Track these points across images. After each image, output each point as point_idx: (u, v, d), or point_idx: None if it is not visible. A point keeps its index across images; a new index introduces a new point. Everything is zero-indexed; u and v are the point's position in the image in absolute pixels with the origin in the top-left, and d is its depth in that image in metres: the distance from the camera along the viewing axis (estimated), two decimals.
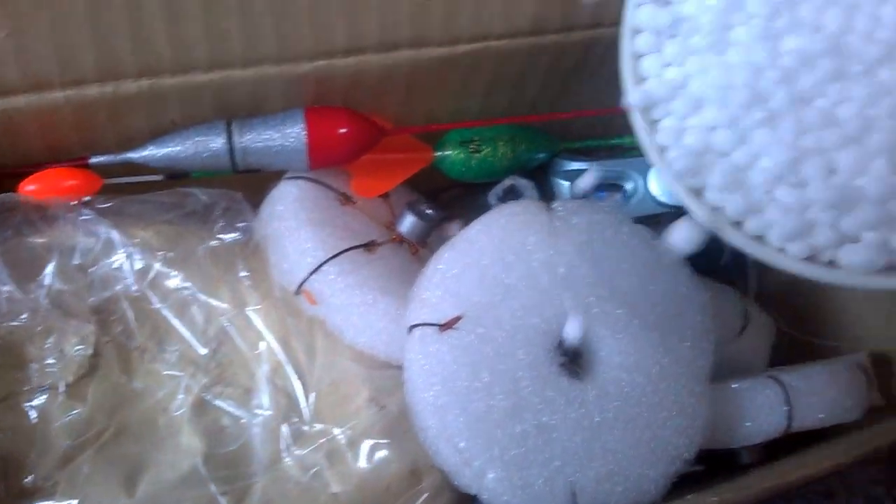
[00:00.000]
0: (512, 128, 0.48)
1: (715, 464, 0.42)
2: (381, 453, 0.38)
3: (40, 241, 0.38)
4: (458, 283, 0.38)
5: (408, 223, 0.44)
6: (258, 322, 0.38)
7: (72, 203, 0.38)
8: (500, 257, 0.38)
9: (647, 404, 0.38)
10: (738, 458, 0.44)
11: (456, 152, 0.47)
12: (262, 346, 0.38)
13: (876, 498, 0.56)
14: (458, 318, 0.37)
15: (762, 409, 0.41)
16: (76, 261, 0.37)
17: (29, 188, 0.39)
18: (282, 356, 0.38)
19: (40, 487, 0.35)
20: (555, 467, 0.36)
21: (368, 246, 0.41)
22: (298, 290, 0.40)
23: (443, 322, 0.37)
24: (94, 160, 0.41)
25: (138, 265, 0.37)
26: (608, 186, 0.47)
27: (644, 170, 0.47)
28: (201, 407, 0.37)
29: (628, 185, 0.47)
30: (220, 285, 0.39)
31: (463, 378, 0.36)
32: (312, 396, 0.38)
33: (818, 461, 0.38)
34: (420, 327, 0.37)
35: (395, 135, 0.44)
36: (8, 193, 0.38)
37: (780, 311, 0.52)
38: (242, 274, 0.39)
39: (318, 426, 0.38)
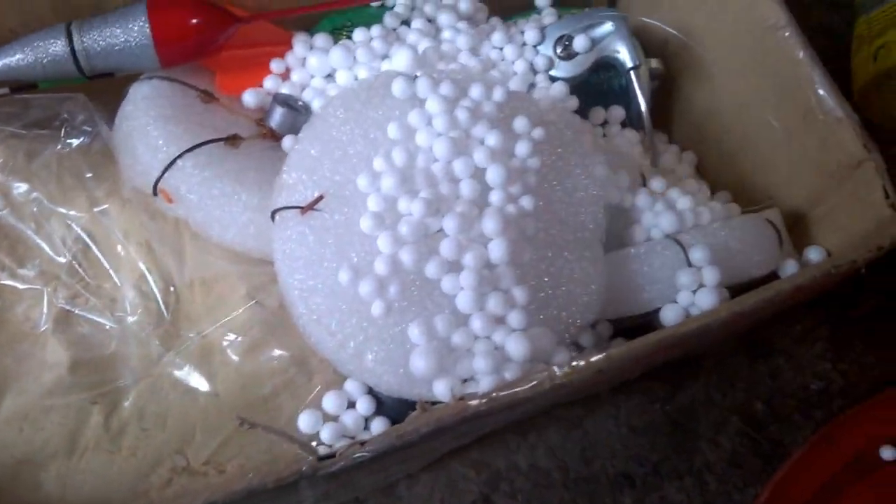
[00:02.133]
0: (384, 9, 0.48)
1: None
2: (263, 350, 0.38)
3: None
4: (318, 163, 0.37)
5: (277, 116, 0.43)
6: (116, 227, 0.38)
7: None
8: (361, 133, 0.38)
9: (534, 274, 0.38)
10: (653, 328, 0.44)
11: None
12: (123, 251, 0.38)
13: (823, 373, 0.57)
14: (319, 198, 0.36)
15: (662, 271, 0.41)
16: None
17: None
18: (144, 260, 0.38)
19: None
20: (437, 342, 0.36)
21: (230, 140, 0.41)
22: (155, 189, 0.39)
23: (304, 204, 0.36)
24: None
25: None
26: None
27: None
28: (66, 318, 0.37)
29: None
30: (72, 193, 0.38)
31: (328, 259, 0.36)
32: (184, 298, 0.38)
33: (715, 312, 0.38)
34: (282, 211, 0.37)
35: (250, 21, 0.43)
36: None
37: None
38: (89, 175, 0.38)
39: (193, 327, 0.38)
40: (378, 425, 0.38)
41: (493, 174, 0.37)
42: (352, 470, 0.33)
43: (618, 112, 0.50)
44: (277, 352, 0.38)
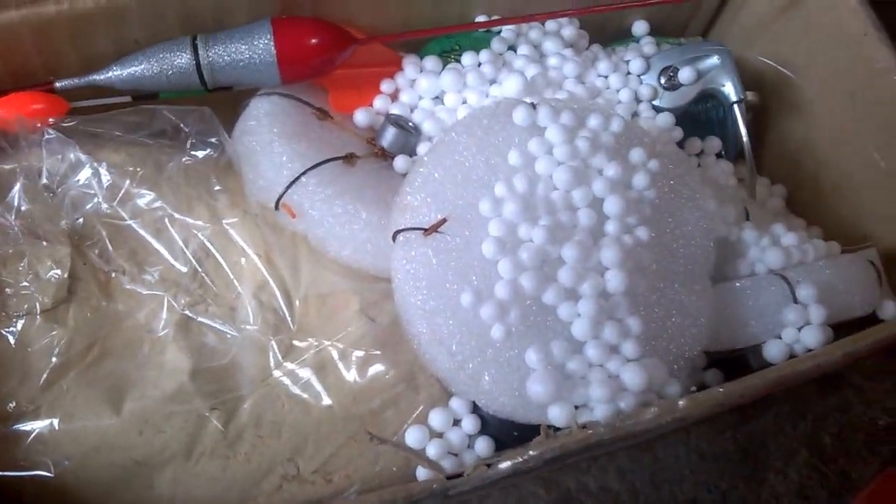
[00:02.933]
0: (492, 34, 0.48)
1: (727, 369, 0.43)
2: (374, 365, 0.39)
3: (6, 167, 0.38)
4: (440, 186, 0.38)
5: (390, 135, 0.44)
6: (238, 237, 0.39)
7: (35, 126, 0.39)
8: (483, 159, 0.38)
9: (645, 304, 0.38)
10: (747, 363, 0.44)
11: None
12: (245, 261, 0.39)
13: (893, 409, 0.57)
14: (442, 221, 0.37)
15: (768, 306, 0.41)
16: (43, 181, 0.38)
17: None
18: (265, 271, 0.39)
19: (24, 412, 0.36)
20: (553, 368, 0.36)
21: (348, 158, 0.42)
22: (277, 204, 0.40)
23: (427, 226, 0.37)
24: (59, 84, 0.42)
25: (107, 183, 0.38)
26: None
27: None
28: (186, 325, 0.38)
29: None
30: (195, 203, 0.40)
31: (450, 281, 0.36)
32: (299, 310, 0.39)
33: (828, 351, 0.38)
34: (404, 233, 0.38)
35: (367, 43, 0.44)
36: None
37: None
38: (217, 188, 0.39)
39: (308, 340, 0.39)
40: (482, 444, 0.39)
41: (612, 205, 0.37)
42: (471, 492, 0.33)
43: (714, 143, 0.50)
44: (387, 368, 0.39)
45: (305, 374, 0.38)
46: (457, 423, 0.40)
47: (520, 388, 0.36)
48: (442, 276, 0.37)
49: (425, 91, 0.46)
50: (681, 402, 0.33)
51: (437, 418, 0.39)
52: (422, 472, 0.37)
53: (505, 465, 0.31)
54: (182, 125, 0.41)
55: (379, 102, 0.46)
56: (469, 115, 0.40)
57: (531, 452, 0.32)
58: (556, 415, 0.35)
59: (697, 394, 0.34)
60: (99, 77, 0.42)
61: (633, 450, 0.55)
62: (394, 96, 0.47)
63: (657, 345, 0.38)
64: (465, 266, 0.37)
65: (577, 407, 0.36)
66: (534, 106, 0.39)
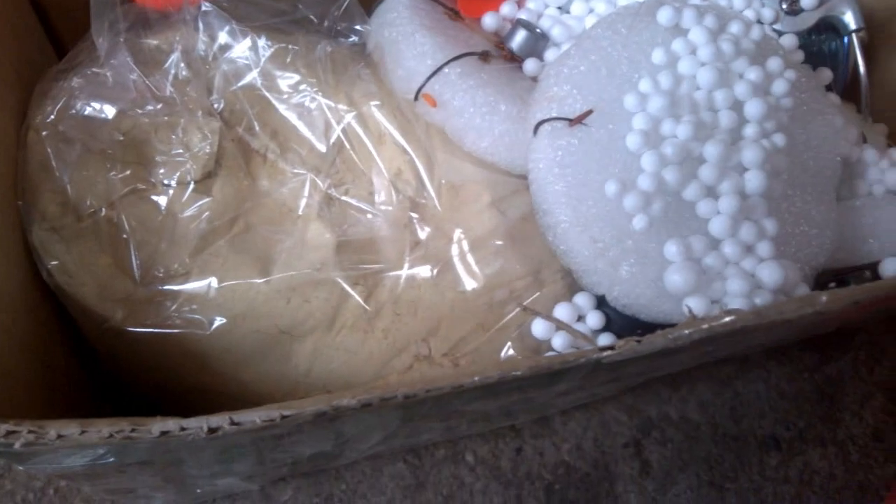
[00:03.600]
0: None
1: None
2: (504, 256, 0.40)
3: (160, 39, 0.39)
4: (585, 79, 0.39)
5: (519, 38, 0.45)
6: (381, 119, 0.40)
7: (190, 1, 0.39)
8: (627, 55, 0.39)
9: (777, 209, 0.39)
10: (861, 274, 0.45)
11: None
12: (384, 146, 0.40)
13: None
14: (588, 112, 0.38)
15: (887, 224, 0.42)
16: (198, 53, 0.39)
17: None
18: (404, 156, 0.40)
19: (174, 275, 0.37)
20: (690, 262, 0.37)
21: (483, 55, 0.43)
22: (418, 93, 0.41)
23: (572, 117, 0.38)
24: None
25: (263, 57, 0.39)
26: None
27: None
28: (328, 202, 0.39)
29: None
30: (339, 88, 0.40)
31: (595, 170, 0.37)
32: (434, 197, 0.40)
33: None
34: (549, 122, 0.38)
35: None
36: None
37: None
38: (364, 73, 0.40)
39: (442, 226, 0.40)
40: (605, 340, 0.40)
41: (753, 108, 0.38)
42: (609, 368, 0.34)
43: (826, 74, 0.51)
44: (514, 261, 0.40)
45: (440, 259, 0.39)
46: (580, 318, 0.41)
47: (657, 280, 0.37)
48: (586, 166, 0.37)
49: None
50: (823, 298, 0.34)
51: (562, 312, 0.40)
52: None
53: (658, 340, 0.32)
54: (326, 13, 0.41)
55: (506, 8, 0.47)
56: (614, 13, 0.41)
57: (682, 332, 0.33)
58: (695, 306, 0.36)
59: (838, 290, 0.35)
60: None
61: (715, 383, 0.56)
62: (521, 3, 0.47)
63: (786, 250, 0.39)
64: (609, 157, 0.38)
65: (712, 302, 0.37)
66: (677, 8, 0.40)
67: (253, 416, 0.29)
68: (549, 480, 0.52)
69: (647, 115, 0.37)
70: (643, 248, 0.37)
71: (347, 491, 0.49)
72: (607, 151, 0.38)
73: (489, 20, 0.46)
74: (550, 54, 0.45)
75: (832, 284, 0.38)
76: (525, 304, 0.40)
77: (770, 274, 0.36)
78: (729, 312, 0.34)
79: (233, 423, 0.29)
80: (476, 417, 0.42)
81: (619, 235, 0.37)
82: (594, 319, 0.40)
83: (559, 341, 0.39)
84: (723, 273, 0.37)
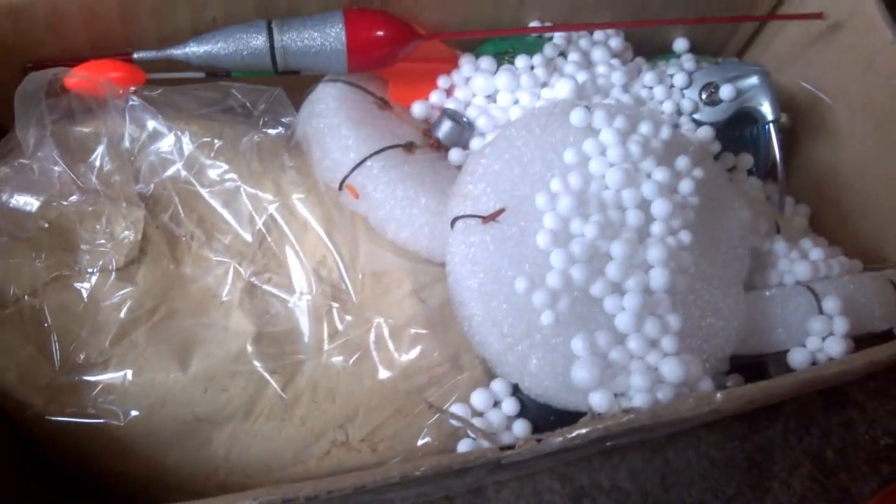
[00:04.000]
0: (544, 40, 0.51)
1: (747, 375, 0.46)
2: (424, 343, 0.41)
3: (88, 129, 0.41)
4: (499, 178, 0.41)
5: (445, 128, 0.47)
6: (304, 211, 0.41)
7: (119, 92, 0.41)
8: (540, 155, 0.41)
9: (683, 303, 0.41)
10: (765, 371, 0.47)
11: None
12: (308, 235, 0.42)
13: (894, 430, 0.60)
14: (501, 211, 0.40)
15: (795, 315, 0.44)
16: (125, 146, 0.40)
17: (74, 79, 0.42)
18: (327, 245, 0.41)
19: (94, 363, 0.38)
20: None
21: (408, 147, 0.44)
22: (342, 185, 0.43)
23: (486, 214, 0.40)
24: (137, 55, 0.44)
25: (188, 151, 0.40)
26: None
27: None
28: (250, 291, 0.41)
29: None
30: (265, 178, 0.42)
31: (506, 267, 0.39)
32: (356, 286, 0.41)
33: (853, 359, 0.41)
34: (464, 219, 0.40)
35: (429, 39, 0.47)
36: (56, 69, 0.40)
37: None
38: (289, 165, 0.42)
39: (362, 314, 0.41)
40: (520, 427, 0.42)
41: (659, 207, 0.40)
42: (514, 465, 0.36)
43: (747, 160, 0.53)
44: (433, 348, 0.41)
45: (359, 346, 0.40)
46: (496, 404, 0.42)
47: (564, 373, 0.39)
48: (498, 262, 0.39)
49: (480, 89, 0.49)
50: (718, 395, 0.36)
51: (478, 398, 0.41)
52: (464, 447, 0.40)
53: (556, 440, 0.34)
54: (254, 103, 0.43)
55: (435, 97, 0.49)
56: (528, 113, 0.43)
57: (580, 431, 0.34)
58: (598, 400, 0.38)
59: (733, 388, 0.37)
60: (176, 52, 0.44)
61: (646, 451, 0.58)
62: (449, 92, 0.49)
63: (692, 343, 0.41)
64: (520, 254, 0.39)
65: (616, 395, 0.39)
66: (589, 108, 0.42)
67: None
68: None
69: (556, 214, 0.39)
70: (551, 343, 0.39)
71: None
72: (519, 248, 0.39)
73: (418, 109, 0.48)
74: (476, 143, 0.47)
75: (729, 382, 0.40)
76: (443, 389, 0.42)
77: (672, 370, 0.38)
78: (627, 412, 0.36)
79: None
80: (407, 497, 0.43)
81: (528, 330, 0.39)
82: (509, 406, 0.42)
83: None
84: (627, 367, 0.39)
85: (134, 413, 0.37)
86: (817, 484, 0.58)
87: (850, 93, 0.53)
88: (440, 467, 0.33)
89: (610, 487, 0.57)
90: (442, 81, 0.49)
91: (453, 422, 0.40)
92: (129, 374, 0.37)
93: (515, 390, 0.42)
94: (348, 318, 0.41)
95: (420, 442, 0.41)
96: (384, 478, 0.32)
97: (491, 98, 0.49)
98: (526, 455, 0.34)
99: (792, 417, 0.61)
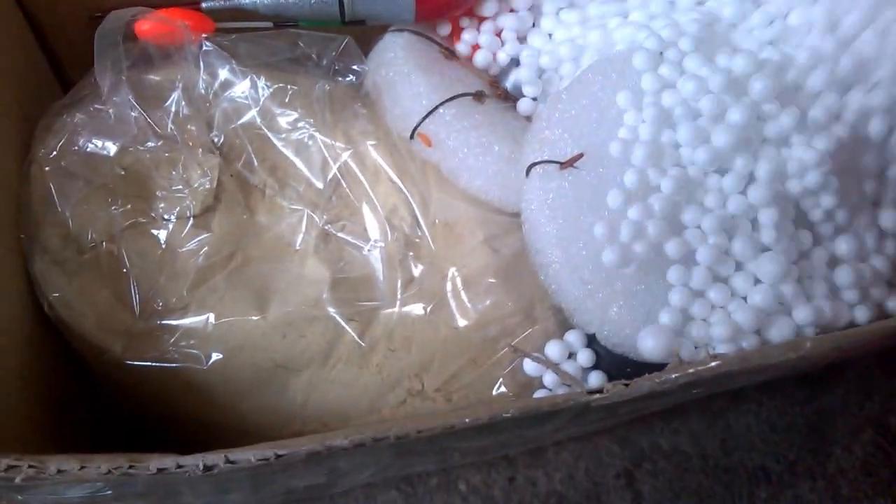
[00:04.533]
0: None
1: None
2: (497, 293, 0.41)
3: (161, 77, 0.41)
4: (576, 123, 0.40)
5: (514, 78, 0.46)
6: (377, 158, 0.41)
7: (194, 38, 0.41)
8: (615, 100, 0.41)
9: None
10: None
11: None
12: (380, 184, 0.42)
13: None
14: (579, 156, 0.39)
15: None
16: (199, 92, 0.40)
17: (144, 27, 0.42)
18: (399, 194, 0.41)
19: (173, 308, 0.38)
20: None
21: (478, 95, 0.44)
22: (413, 133, 0.42)
23: (563, 160, 0.39)
24: (205, 4, 0.44)
25: (264, 97, 0.40)
26: None
27: None
28: (325, 239, 0.41)
29: None
30: (337, 126, 0.42)
31: (585, 213, 0.39)
32: (428, 234, 0.41)
33: None
34: (541, 165, 0.40)
35: None
36: (134, 9, 0.40)
37: None
38: (362, 112, 0.42)
39: (436, 262, 0.41)
40: (595, 378, 0.41)
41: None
42: (600, 411, 0.36)
43: None
44: (506, 298, 0.41)
45: (434, 295, 0.41)
46: (572, 356, 0.42)
47: (645, 322, 0.38)
48: (577, 208, 0.39)
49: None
50: (807, 343, 0.35)
51: (553, 350, 0.41)
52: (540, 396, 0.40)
53: (645, 384, 0.34)
54: (324, 52, 0.43)
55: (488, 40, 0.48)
56: (604, 58, 0.42)
57: (669, 375, 0.34)
58: (685, 350, 0.38)
59: (821, 335, 0.37)
60: (244, 0, 0.44)
61: (707, 415, 0.58)
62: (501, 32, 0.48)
63: None
64: (599, 200, 0.39)
65: (696, 347, 0.38)
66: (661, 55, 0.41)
67: (248, 455, 0.31)
68: None
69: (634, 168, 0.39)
70: (632, 290, 0.38)
71: None
72: (597, 195, 0.39)
73: (481, 58, 0.47)
74: (544, 94, 0.46)
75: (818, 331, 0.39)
76: (517, 340, 0.41)
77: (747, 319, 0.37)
78: (714, 357, 0.35)
79: (228, 461, 0.31)
80: (470, 451, 0.43)
81: (608, 277, 0.38)
82: (585, 357, 0.41)
83: (550, 379, 0.41)
84: (708, 320, 0.38)
85: (216, 356, 0.37)
86: (880, 450, 0.58)
87: None
88: (529, 409, 0.33)
89: (670, 451, 0.57)
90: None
91: (529, 370, 0.40)
92: (211, 317, 0.37)
93: (591, 342, 0.42)
94: (422, 266, 0.41)
95: (495, 392, 0.41)
96: (473, 419, 0.32)
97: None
98: (615, 398, 0.34)
99: (853, 383, 0.60)
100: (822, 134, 0.38)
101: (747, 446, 0.58)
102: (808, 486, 0.57)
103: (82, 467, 0.29)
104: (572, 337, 0.42)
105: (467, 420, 0.32)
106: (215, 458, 0.30)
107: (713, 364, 0.35)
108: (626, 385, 0.34)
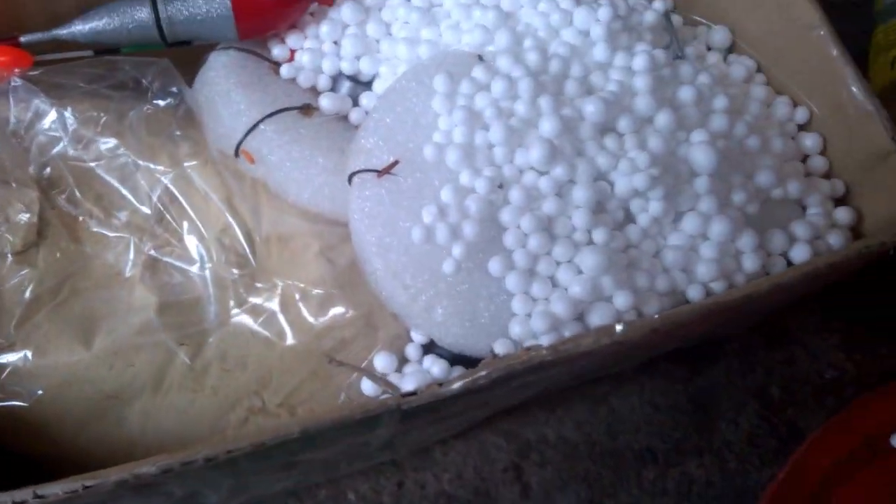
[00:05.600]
0: None
1: None
2: (334, 304, 0.42)
3: None
4: (391, 131, 0.42)
5: (343, 90, 0.47)
6: (200, 181, 0.42)
7: (2, 76, 0.41)
8: (430, 106, 0.42)
9: None
10: None
11: None
12: (207, 205, 0.42)
13: (838, 363, 0.62)
14: (395, 163, 0.41)
15: None
16: (11, 128, 0.41)
17: None
18: (227, 214, 0.42)
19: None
20: (501, 301, 0.41)
21: (304, 109, 0.45)
22: (237, 150, 0.43)
23: (380, 168, 0.41)
24: (24, 38, 0.45)
25: (72, 128, 0.41)
26: None
27: None
28: (152, 265, 0.41)
29: None
30: (158, 150, 0.43)
31: (403, 219, 0.40)
32: (261, 252, 0.42)
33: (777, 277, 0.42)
34: (359, 174, 0.41)
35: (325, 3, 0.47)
36: None
37: None
38: (181, 135, 0.43)
39: (270, 280, 0.42)
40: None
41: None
42: (422, 412, 0.37)
43: None
44: (346, 307, 0.42)
45: (268, 311, 0.42)
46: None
47: (472, 320, 0.40)
48: (395, 215, 0.40)
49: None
50: (618, 328, 0.37)
51: (380, 361, 0.42)
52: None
53: (457, 384, 0.35)
54: (142, 76, 0.44)
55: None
56: (418, 65, 0.44)
57: (480, 373, 0.36)
58: (502, 348, 0.39)
59: (633, 320, 0.38)
60: (62, 32, 0.45)
61: (589, 401, 0.59)
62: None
63: None
64: (417, 205, 0.41)
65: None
66: (480, 58, 0.43)
67: (55, 489, 0.32)
68: None
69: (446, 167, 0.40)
70: (455, 291, 0.40)
71: None
72: (415, 199, 0.41)
73: (305, 74, 0.48)
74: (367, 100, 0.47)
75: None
76: (358, 348, 0.43)
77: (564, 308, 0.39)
78: (528, 349, 0.37)
79: (36, 496, 0.31)
80: (321, 464, 0.44)
81: (431, 280, 0.40)
82: (430, 360, 0.43)
83: (368, 387, 0.42)
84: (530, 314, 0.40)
85: (39, 393, 0.38)
86: (765, 421, 0.60)
87: (750, 29, 0.55)
88: (340, 419, 0.34)
89: (556, 440, 0.59)
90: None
91: (364, 385, 0.41)
92: (35, 354, 0.38)
93: (431, 349, 0.43)
94: (257, 284, 0.42)
95: (339, 401, 0.42)
96: (285, 434, 0.33)
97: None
98: (428, 399, 0.35)
99: (733, 357, 0.62)
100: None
101: (632, 429, 0.59)
102: (695, 463, 0.59)
103: None
104: (418, 338, 0.43)
105: (279, 435, 0.33)
106: (24, 494, 0.31)
107: (526, 357, 0.37)
108: (440, 385, 0.36)
